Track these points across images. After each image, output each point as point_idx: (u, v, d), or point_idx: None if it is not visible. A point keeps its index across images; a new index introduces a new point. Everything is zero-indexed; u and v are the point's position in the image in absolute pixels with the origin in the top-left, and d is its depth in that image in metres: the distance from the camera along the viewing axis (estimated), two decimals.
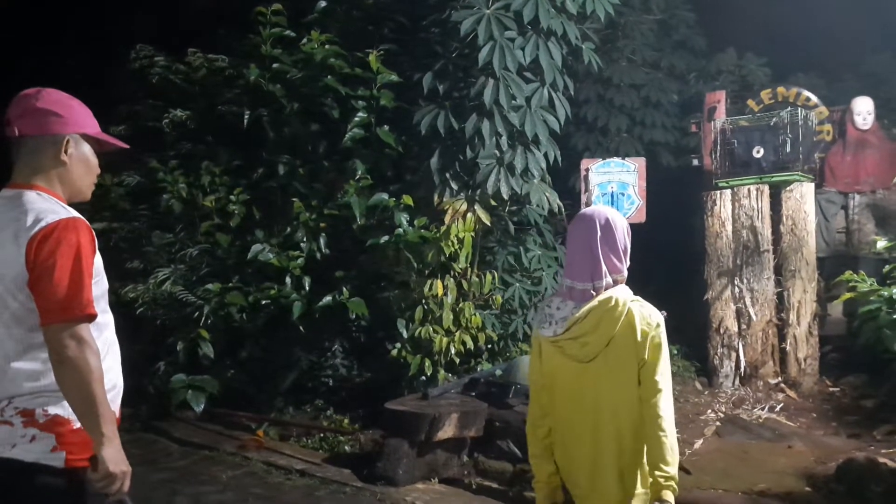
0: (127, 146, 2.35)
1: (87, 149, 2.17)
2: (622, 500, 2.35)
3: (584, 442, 2.37)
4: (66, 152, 2.10)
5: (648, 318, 2.30)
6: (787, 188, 6.53)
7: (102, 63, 8.24)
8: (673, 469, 2.27)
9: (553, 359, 2.39)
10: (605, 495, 2.37)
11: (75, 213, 2.04)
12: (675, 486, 2.27)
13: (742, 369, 6.52)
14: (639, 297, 2.36)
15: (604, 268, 2.31)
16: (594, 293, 2.30)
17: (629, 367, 2.28)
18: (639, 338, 2.26)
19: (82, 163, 2.16)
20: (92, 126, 2.18)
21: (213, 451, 5.52)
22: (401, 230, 5.78)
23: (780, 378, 6.43)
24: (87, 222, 2.06)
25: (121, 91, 7.66)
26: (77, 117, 2.14)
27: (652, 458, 2.30)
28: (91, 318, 1.98)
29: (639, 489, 2.35)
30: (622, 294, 2.31)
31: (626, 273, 2.38)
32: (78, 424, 1.98)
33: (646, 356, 2.26)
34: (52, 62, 10.04)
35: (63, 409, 1.99)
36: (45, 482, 1.97)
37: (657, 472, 2.27)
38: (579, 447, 2.40)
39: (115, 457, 1.96)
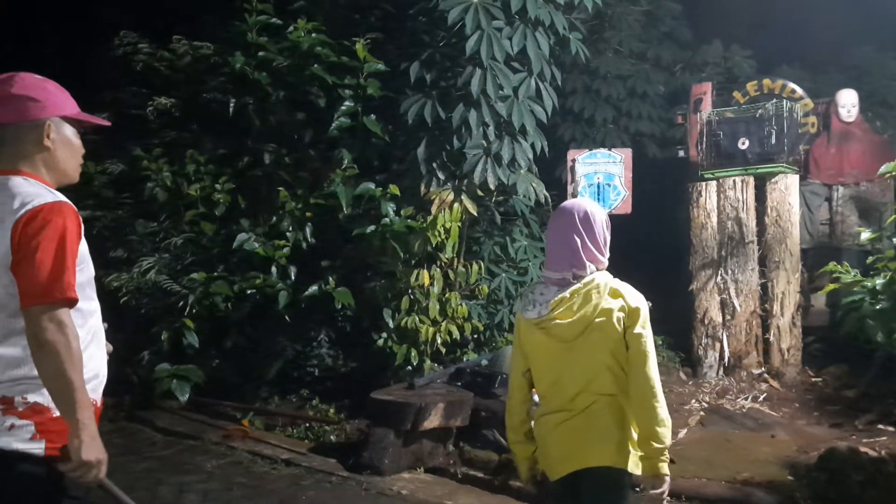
0: (108, 123, 2.32)
1: (69, 131, 2.13)
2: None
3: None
4: (48, 137, 2.06)
5: (630, 294, 2.38)
6: (772, 180, 6.56)
7: (85, 50, 8.15)
8: (667, 440, 2.29)
9: (535, 341, 2.45)
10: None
11: (62, 198, 2.02)
12: (668, 457, 2.30)
13: (726, 360, 6.56)
14: (619, 280, 2.44)
15: (583, 258, 2.38)
16: (574, 281, 2.38)
17: (612, 341, 2.33)
18: (620, 313, 2.33)
19: (66, 146, 2.12)
20: (71, 107, 2.14)
21: (197, 441, 5.50)
22: (387, 220, 5.76)
23: (763, 368, 6.48)
24: (75, 207, 2.04)
25: (104, 78, 7.58)
26: (55, 100, 2.10)
27: (644, 428, 2.32)
28: (72, 302, 1.94)
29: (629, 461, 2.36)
30: (603, 277, 2.40)
31: (606, 263, 2.45)
32: (58, 413, 1.95)
33: (632, 328, 2.32)
34: (33, 48, 9.92)
35: (43, 397, 1.96)
36: (24, 470, 1.94)
37: (651, 444, 2.28)
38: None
39: (89, 444, 1.92)
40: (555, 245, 2.45)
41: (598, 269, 2.41)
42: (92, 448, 1.93)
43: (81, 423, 1.91)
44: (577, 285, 2.36)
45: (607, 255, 2.46)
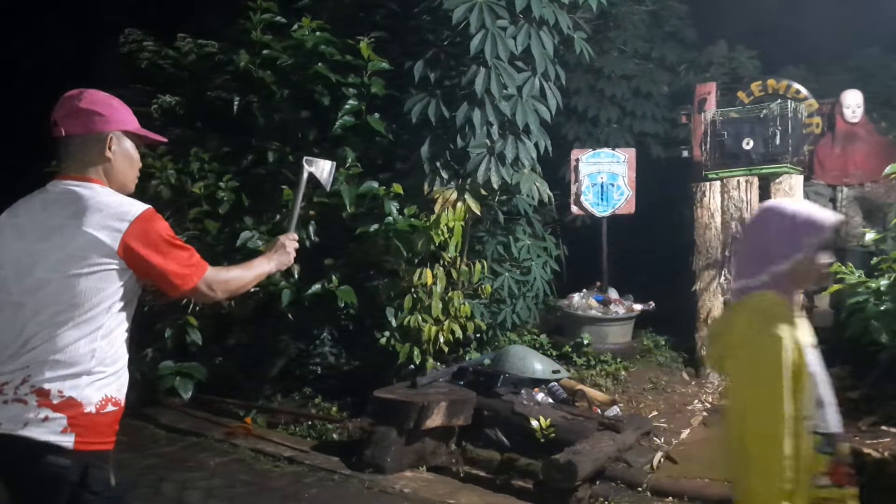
0: (165, 140, 2.56)
1: (129, 144, 2.30)
2: None
3: None
4: (110, 149, 2.23)
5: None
6: (776, 180, 6.55)
7: (90, 47, 8.17)
8: None
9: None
10: None
11: (144, 205, 2.22)
12: None
13: None
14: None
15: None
16: None
17: None
18: None
19: (126, 158, 2.29)
20: (132, 122, 2.31)
21: (200, 438, 5.51)
22: (390, 219, 5.76)
23: None
24: None
25: (109, 76, 7.58)
26: (118, 115, 2.27)
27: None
28: (205, 269, 2.27)
29: None
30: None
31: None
32: (90, 409, 2.07)
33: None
34: (39, 46, 9.95)
35: (77, 392, 2.06)
36: (53, 462, 2.03)
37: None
38: None
39: (281, 256, 2.61)
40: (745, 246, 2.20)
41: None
42: (283, 255, 2.61)
43: (272, 260, 2.58)
44: None
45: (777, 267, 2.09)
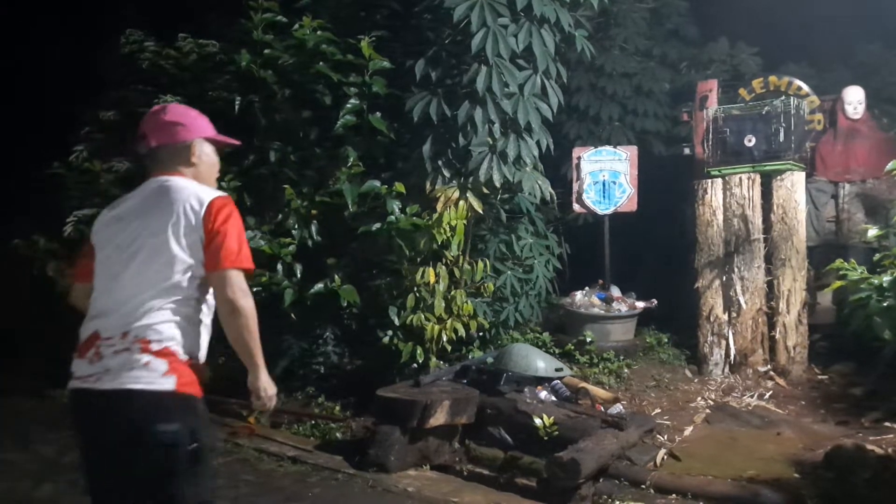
0: (238, 143, 2.80)
1: (209, 149, 2.61)
2: None
3: None
4: (194, 154, 2.55)
5: None
6: (778, 177, 6.54)
7: (92, 48, 8.17)
8: None
9: None
10: None
11: (224, 193, 2.49)
12: None
13: (731, 357, 6.55)
14: None
15: None
16: None
17: None
18: None
19: (207, 161, 2.60)
20: (210, 130, 2.63)
21: None
22: (393, 217, 5.76)
23: (769, 366, 6.47)
24: None
25: (110, 76, 7.60)
26: (198, 124, 2.60)
27: None
28: (250, 271, 2.42)
29: None
30: None
31: None
32: (184, 358, 2.36)
33: None
34: (41, 47, 9.96)
35: (177, 346, 2.35)
36: (157, 402, 2.29)
37: None
38: None
39: (268, 382, 2.52)
40: None
41: None
42: (269, 384, 2.53)
43: (260, 367, 2.48)
44: None
45: None
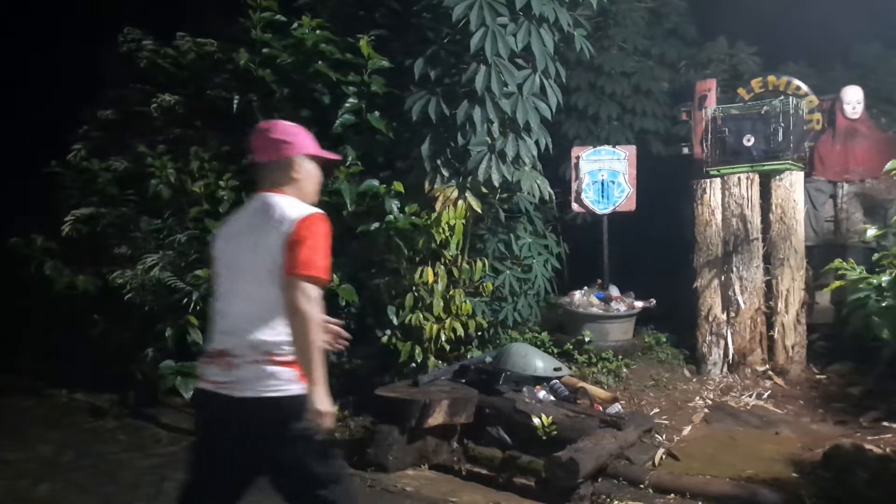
0: (339, 157, 3.05)
1: (310, 165, 2.81)
2: None
3: None
4: (296, 170, 2.75)
5: None
6: (777, 177, 6.54)
7: (90, 46, 8.15)
8: None
9: None
10: None
11: (319, 210, 2.67)
12: None
13: (730, 357, 6.55)
14: None
15: None
16: None
17: None
18: None
19: (308, 176, 2.80)
20: (313, 147, 2.83)
21: None
22: (391, 217, 5.76)
23: (767, 366, 6.47)
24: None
25: (109, 75, 7.58)
26: (302, 142, 2.79)
27: None
28: (324, 283, 2.57)
29: None
30: None
31: None
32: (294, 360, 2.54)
33: None
34: (39, 45, 9.94)
35: (287, 348, 2.55)
36: (289, 404, 2.54)
37: None
38: None
39: (324, 398, 2.53)
40: None
41: None
42: (323, 401, 2.53)
43: (316, 381, 2.52)
44: None
45: None
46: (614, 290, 7.19)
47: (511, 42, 5.75)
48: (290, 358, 2.55)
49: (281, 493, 2.64)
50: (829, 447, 4.52)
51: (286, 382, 2.54)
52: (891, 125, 7.67)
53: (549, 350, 6.46)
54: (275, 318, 2.56)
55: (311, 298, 2.49)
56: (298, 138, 2.79)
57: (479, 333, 6.37)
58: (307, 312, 2.48)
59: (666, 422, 5.47)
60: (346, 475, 2.80)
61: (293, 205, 2.66)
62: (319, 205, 2.78)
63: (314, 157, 2.83)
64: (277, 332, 2.55)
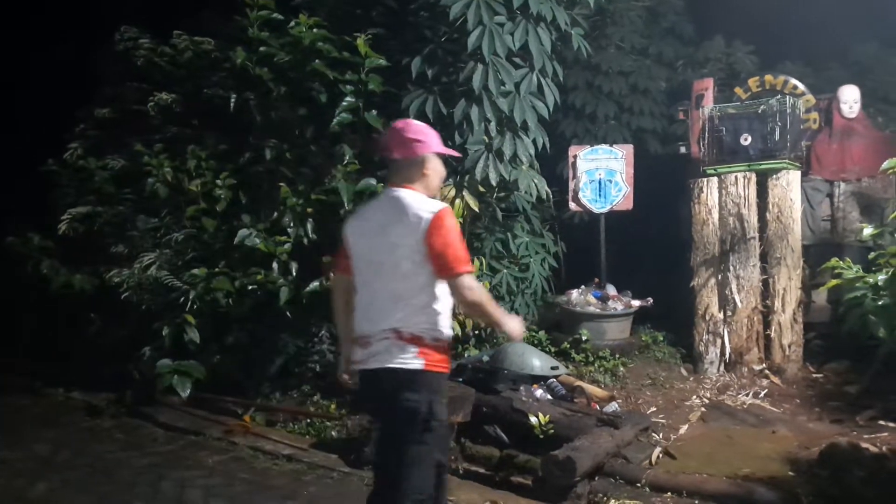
0: (459, 154, 3.30)
1: (438, 163, 3.05)
2: None
3: None
4: (426, 167, 3.00)
5: None
6: (774, 176, 6.55)
7: (87, 45, 8.14)
8: None
9: None
10: None
11: (445, 204, 2.95)
12: None
13: (727, 356, 6.56)
14: None
15: None
16: None
17: None
18: None
19: (436, 173, 3.05)
20: (440, 146, 3.06)
21: (199, 437, 5.51)
22: None
23: (764, 364, 6.48)
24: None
25: (105, 73, 7.57)
26: (432, 141, 3.02)
27: None
28: (472, 271, 2.88)
29: None
30: None
31: None
32: (432, 342, 2.90)
33: None
34: (37, 44, 9.92)
35: (423, 333, 2.88)
36: (410, 377, 2.87)
37: None
38: None
39: (513, 326, 3.02)
40: None
41: None
42: (515, 327, 3.04)
43: (503, 323, 2.99)
44: None
45: None
46: (611, 289, 7.20)
47: (508, 41, 5.75)
48: (412, 335, 2.87)
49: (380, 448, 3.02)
50: (825, 446, 4.52)
51: (409, 357, 2.86)
52: (887, 124, 7.68)
53: (547, 349, 6.47)
54: (404, 304, 2.88)
55: (473, 288, 2.84)
56: (430, 137, 3.02)
57: (477, 332, 6.37)
58: (478, 299, 2.85)
59: (663, 420, 5.48)
60: (437, 461, 3.02)
61: (423, 202, 2.91)
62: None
63: (440, 155, 3.07)
64: (404, 315, 2.87)
